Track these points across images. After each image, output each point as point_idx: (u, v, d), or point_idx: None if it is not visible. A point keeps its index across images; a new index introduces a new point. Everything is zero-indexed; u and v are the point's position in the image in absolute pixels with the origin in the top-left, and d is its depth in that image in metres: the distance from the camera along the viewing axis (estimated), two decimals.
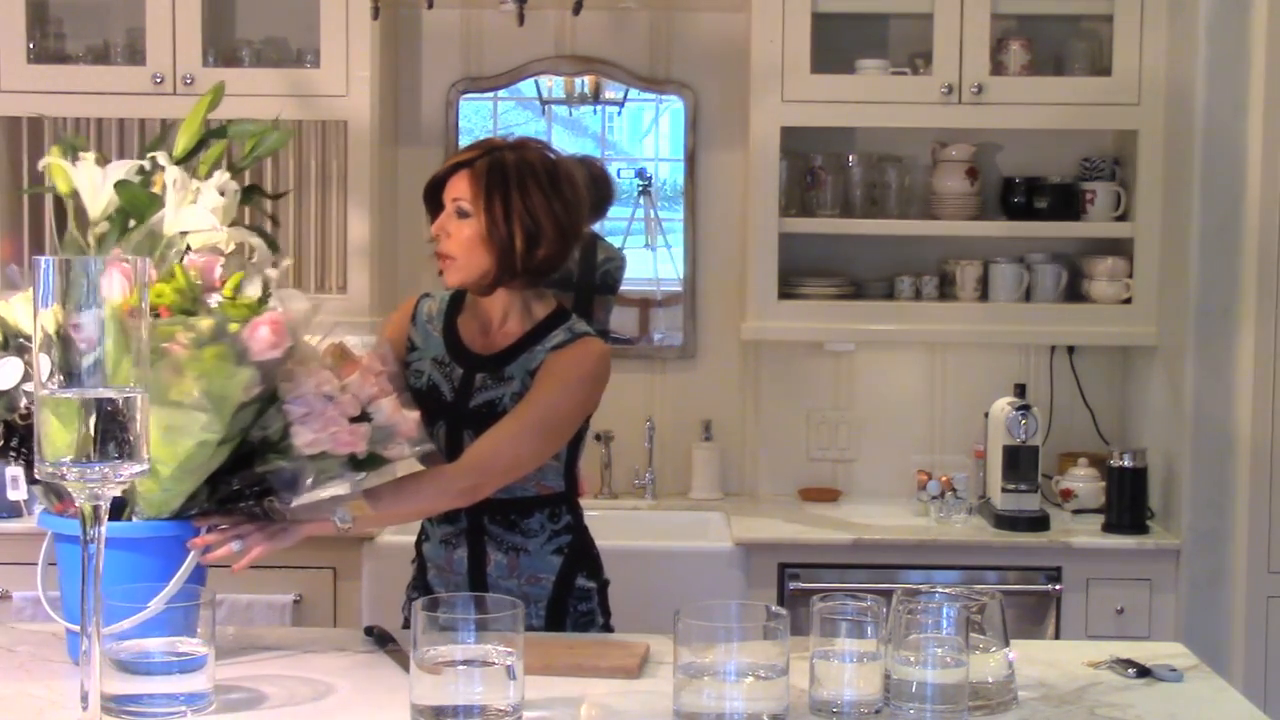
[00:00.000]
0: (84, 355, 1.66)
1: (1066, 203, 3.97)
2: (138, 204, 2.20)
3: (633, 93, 4.17)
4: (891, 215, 3.98)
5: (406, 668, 1.96)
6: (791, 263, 3.94)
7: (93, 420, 1.66)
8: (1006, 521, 3.72)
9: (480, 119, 4.19)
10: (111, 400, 1.66)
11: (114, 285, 1.66)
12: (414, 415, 2.27)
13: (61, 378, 1.66)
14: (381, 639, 2.32)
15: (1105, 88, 3.83)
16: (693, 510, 4.04)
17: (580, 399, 2.59)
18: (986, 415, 3.89)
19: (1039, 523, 3.72)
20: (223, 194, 2.22)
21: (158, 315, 2.03)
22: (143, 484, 2.06)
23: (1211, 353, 3.61)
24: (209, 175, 2.26)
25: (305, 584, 3.57)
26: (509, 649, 1.89)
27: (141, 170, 2.24)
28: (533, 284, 2.64)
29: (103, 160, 2.26)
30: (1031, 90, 3.84)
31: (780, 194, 3.87)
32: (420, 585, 2.74)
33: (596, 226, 4.16)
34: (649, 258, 4.21)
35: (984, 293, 3.98)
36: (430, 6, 3.53)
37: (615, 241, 4.20)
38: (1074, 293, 4.02)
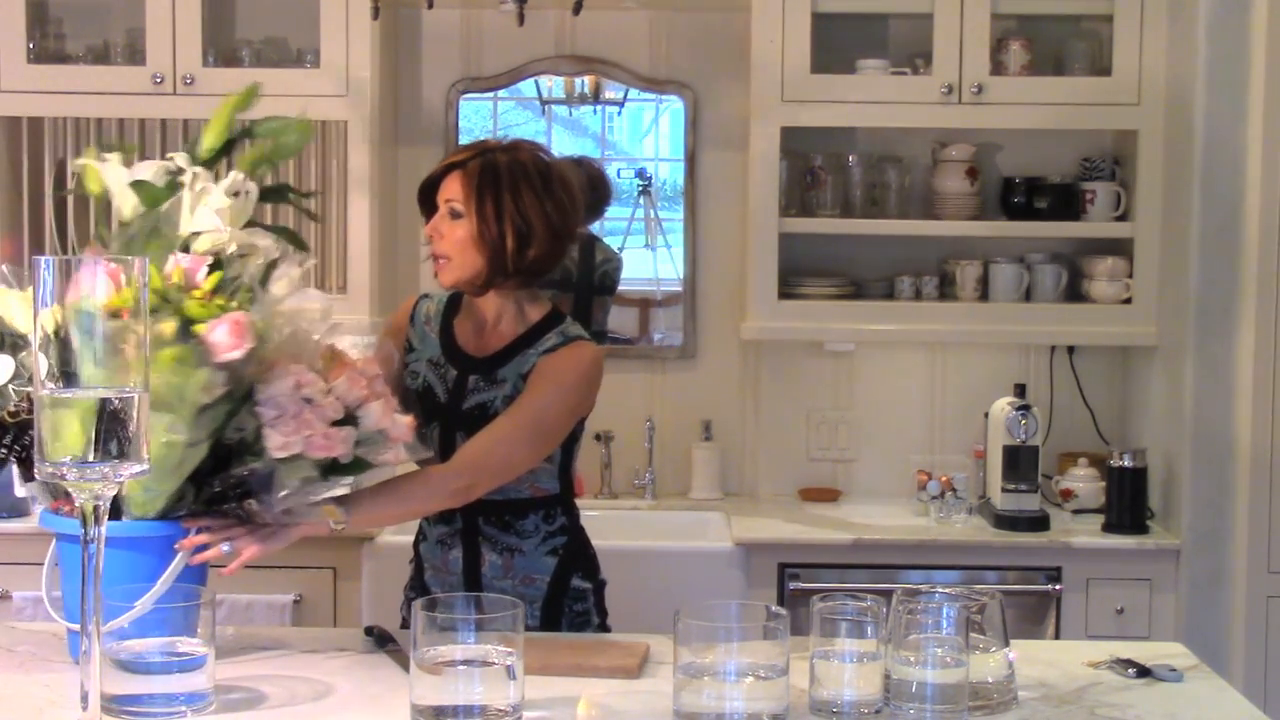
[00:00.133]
0: (82, 355, 1.66)
1: (1066, 203, 3.97)
2: (157, 204, 2.19)
3: (633, 93, 4.17)
4: (891, 215, 3.98)
5: (406, 668, 1.96)
6: (791, 263, 3.94)
7: (93, 420, 1.66)
8: (1006, 521, 3.72)
9: (480, 119, 4.19)
10: (111, 400, 1.66)
11: (99, 284, 1.66)
12: (406, 420, 2.26)
13: (60, 377, 1.66)
14: (381, 639, 2.32)
15: (1105, 88, 3.84)
16: (693, 510, 4.04)
17: (572, 403, 2.59)
18: (986, 415, 3.89)
19: (1039, 523, 3.72)
20: (237, 195, 2.21)
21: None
22: (127, 484, 2.06)
23: (1211, 353, 3.61)
24: (250, 174, 2.25)
25: (305, 584, 3.57)
26: (509, 649, 1.89)
27: (169, 171, 2.23)
28: (525, 285, 2.65)
29: (130, 161, 2.25)
30: (1031, 90, 3.84)
31: (780, 194, 3.87)
32: (418, 585, 2.75)
33: (595, 227, 4.17)
34: (649, 258, 4.21)
35: (984, 293, 3.98)
36: (430, 6, 3.53)
37: (615, 241, 4.21)
38: (1074, 293, 4.02)
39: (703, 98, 4.12)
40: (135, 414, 1.67)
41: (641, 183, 4.20)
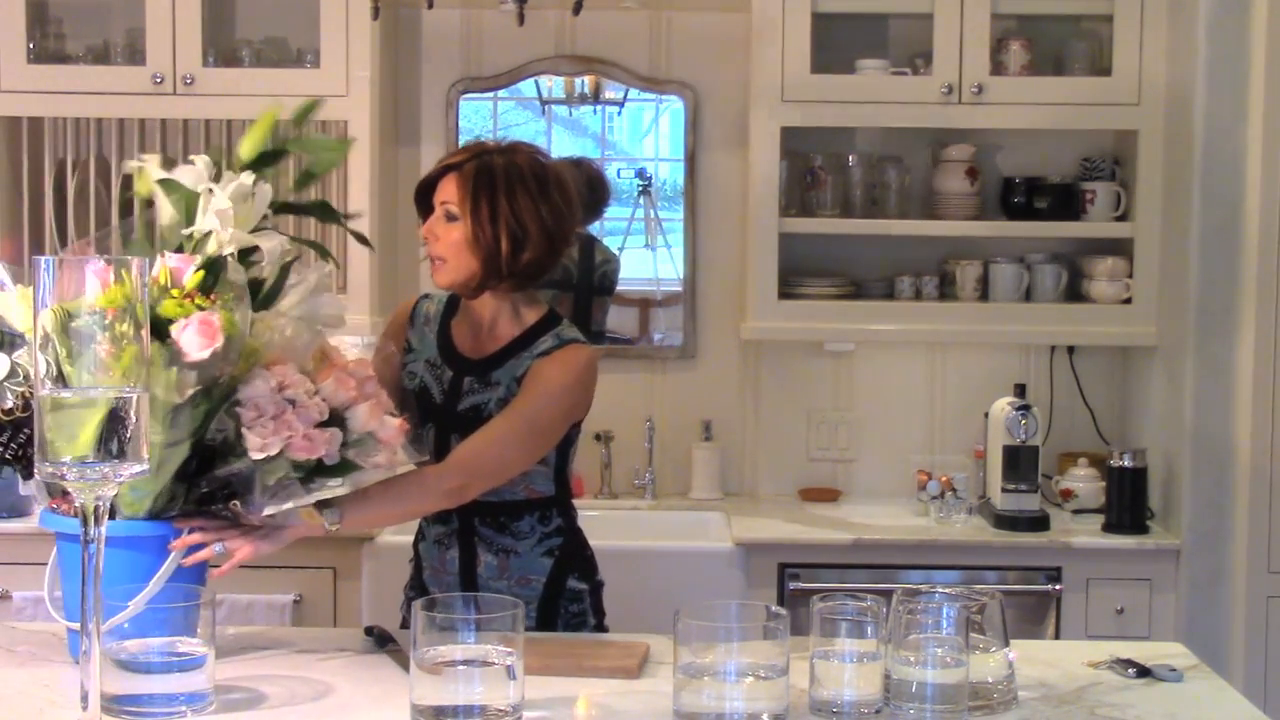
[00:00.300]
0: (80, 355, 1.66)
1: (1066, 203, 3.97)
2: (189, 206, 2.19)
3: (633, 93, 4.17)
4: (891, 215, 3.98)
5: (406, 668, 1.96)
6: (791, 263, 3.94)
7: (93, 420, 1.66)
8: (1006, 521, 3.72)
9: (480, 119, 4.19)
10: (111, 400, 1.66)
11: (90, 284, 1.66)
12: (396, 422, 2.26)
13: (59, 377, 1.66)
14: (381, 639, 2.32)
15: (1105, 88, 3.84)
16: (693, 510, 4.04)
17: (566, 405, 2.59)
18: (986, 415, 3.89)
19: (1039, 523, 3.72)
20: (247, 197, 2.21)
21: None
22: None
23: (1211, 353, 3.61)
24: (295, 190, 2.27)
25: (305, 584, 3.57)
26: (509, 649, 1.89)
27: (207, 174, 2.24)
28: (520, 288, 2.64)
29: (169, 163, 2.25)
30: (1031, 90, 3.84)
31: (780, 194, 3.87)
32: (416, 585, 2.76)
33: (594, 228, 4.17)
34: (649, 258, 4.21)
35: (984, 293, 3.98)
36: (430, 6, 3.53)
37: (615, 241, 4.21)
38: (1074, 293, 4.02)
39: (703, 98, 4.12)
40: (135, 414, 1.67)
41: (641, 183, 4.20)
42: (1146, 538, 3.68)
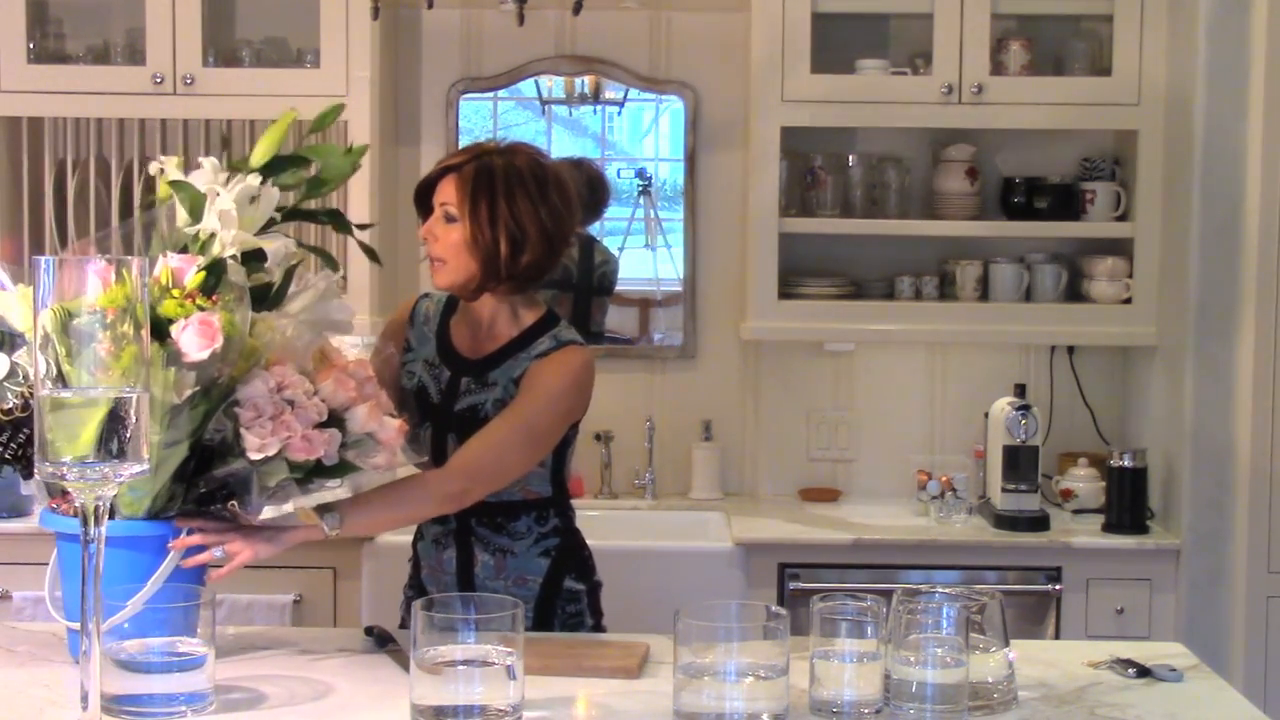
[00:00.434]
0: (80, 355, 1.66)
1: (1066, 203, 3.97)
2: (196, 206, 2.19)
3: (633, 93, 4.17)
4: (891, 215, 3.98)
5: (406, 668, 1.96)
6: (791, 263, 3.94)
7: (93, 420, 1.66)
8: (1006, 521, 3.72)
9: (480, 119, 4.19)
10: (111, 400, 1.66)
11: (90, 284, 1.66)
12: (396, 423, 2.26)
13: (59, 377, 1.66)
14: (381, 639, 2.32)
15: (1105, 88, 3.84)
16: (693, 510, 4.04)
17: (563, 408, 2.59)
18: (986, 415, 3.89)
19: (1039, 523, 3.72)
20: (253, 200, 2.21)
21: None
22: None
23: (1211, 353, 3.61)
24: (308, 197, 2.27)
25: (305, 584, 3.58)
26: (509, 649, 1.89)
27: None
28: (519, 290, 2.64)
29: (183, 165, 2.25)
30: (1031, 90, 3.84)
31: (780, 194, 3.87)
32: (415, 584, 2.76)
33: (594, 228, 4.17)
34: (649, 258, 4.21)
35: (984, 293, 3.98)
36: (430, 6, 3.53)
37: (615, 241, 4.21)
38: (1074, 293, 4.02)
39: (703, 98, 4.12)
40: (135, 414, 1.67)
41: (641, 183, 4.20)
42: (1146, 538, 3.68)
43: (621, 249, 4.21)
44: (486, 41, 4.12)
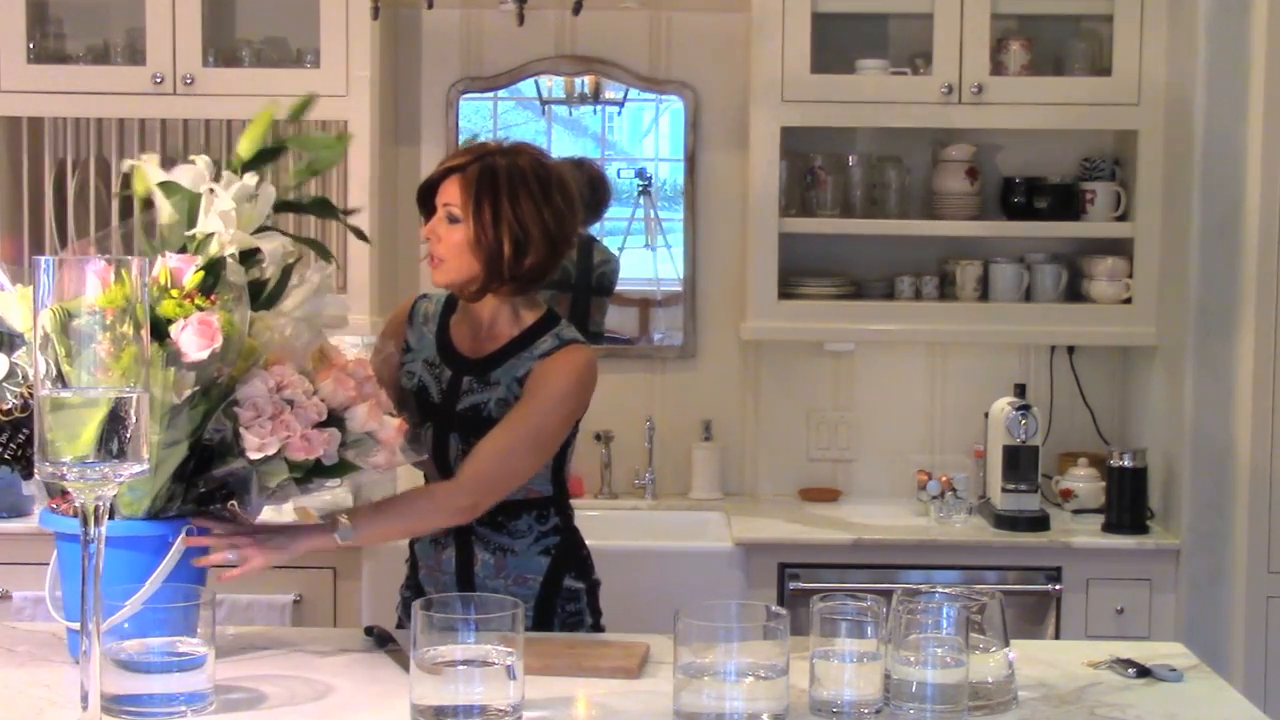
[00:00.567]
0: (80, 355, 1.66)
1: (1066, 203, 3.97)
2: (189, 207, 2.19)
3: (633, 93, 4.17)
4: (891, 215, 3.98)
5: (406, 668, 1.96)
6: (791, 263, 3.94)
7: (93, 420, 1.66)
8: (1006, 521, 3.72)
9: (480, 119, 4.19)
10: (111, 400, 1.66)
11: (90, 284, 1.66)
12: (395, 423, 2.26)
13: (59, 377, 1.66)
14: (381, 639, 2.32)
15: (1105, 88, 3.84)
16: (692, 510, 4.04)
17: (568, 409, 2.59)
18: (986, 415, 3.89)
19: (1039, 523, 3.72)
20: (251, 199, 2.20)
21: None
22: None
23: (1211, 353, 3.61)
24: (294, 187, 2.26)
25: (305, 584, 3.58)
26: (509, 649, 1.89)
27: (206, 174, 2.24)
28: (521, 291, 2.64)
29: (169, 163, 2.25)
30: (1031, 90, 3.84)
31: (780, 194, 3.87)
32: (412, 584, 2.76)
33: (594, 228, 4.17)
34: (649, 258, 4.21)
35: (984, 293, 3.98)
36: (430, 6, 3.53)
37: (615, 241, 4.21)
38: (1074, 293, 4.02)
39: (703, 98, 4.12)
40: (135, 414, 1.67)
41: (641, 183, 4.20)
42: (1146, 538, 3.68)
43: (621, 249, 4.21)
44: (486, 41, 4.12)
